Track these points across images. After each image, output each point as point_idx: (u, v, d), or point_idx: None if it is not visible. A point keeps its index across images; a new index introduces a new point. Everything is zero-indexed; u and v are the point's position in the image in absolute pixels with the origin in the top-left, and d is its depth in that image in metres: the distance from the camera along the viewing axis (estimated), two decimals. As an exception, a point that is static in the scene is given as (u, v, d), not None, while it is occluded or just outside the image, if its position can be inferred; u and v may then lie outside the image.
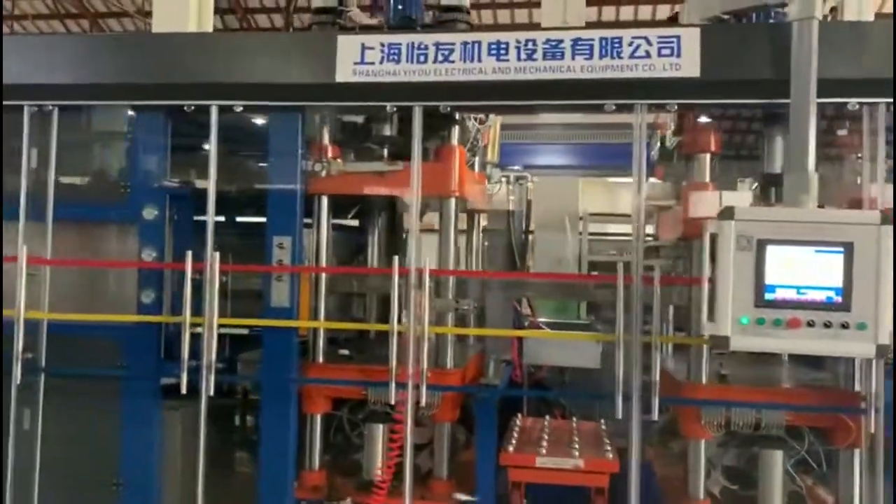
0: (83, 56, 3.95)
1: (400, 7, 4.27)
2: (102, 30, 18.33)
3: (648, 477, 3.91)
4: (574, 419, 4.82)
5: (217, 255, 3.73)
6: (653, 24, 15.21)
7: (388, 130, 4.08)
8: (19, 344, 3.82)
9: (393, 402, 3.64)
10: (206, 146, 4.15)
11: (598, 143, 6.55)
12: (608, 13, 15.37)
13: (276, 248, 3.86)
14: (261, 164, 4.33)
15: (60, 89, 3.92)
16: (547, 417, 4.84)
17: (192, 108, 3.85)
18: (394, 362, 3.60)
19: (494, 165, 5.55)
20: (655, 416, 3.49)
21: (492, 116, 4.79)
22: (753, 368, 4.17)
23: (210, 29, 10.61)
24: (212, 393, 3.70)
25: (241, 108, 3.83)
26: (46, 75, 3.94)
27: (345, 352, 4.17)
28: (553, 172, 6.63)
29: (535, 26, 16.54)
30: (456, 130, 4.04)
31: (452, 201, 4.03)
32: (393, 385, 3.59)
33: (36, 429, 3.94)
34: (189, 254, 3.73)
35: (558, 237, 6.94)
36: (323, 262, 4.06)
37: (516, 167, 6.35)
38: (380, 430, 4.04)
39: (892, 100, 3.36)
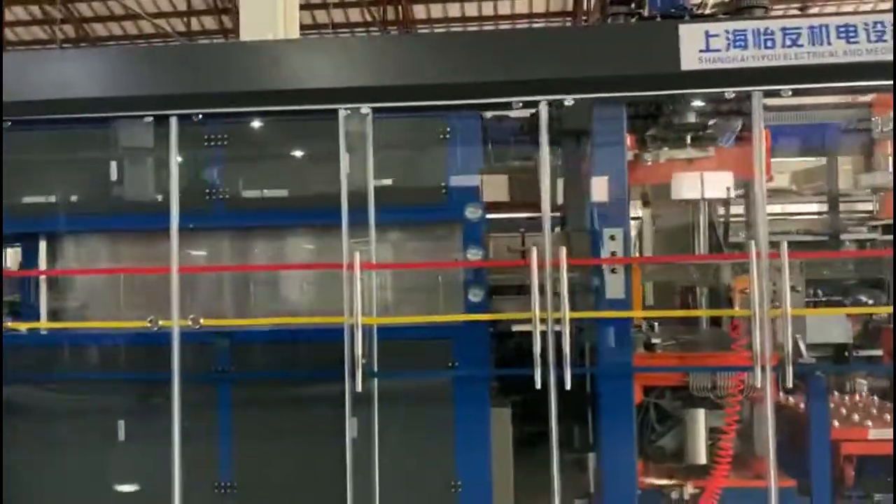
0: (397, 56, 3.91)
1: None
2: (88, 34, 17.76)
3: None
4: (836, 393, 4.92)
5: (564, 249, 3.73)
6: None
7: (691, 117, 4.12)
8: (358, 349, 3.78)
9: (759, 387, 3.67)
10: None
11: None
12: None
13: (607, 240, 3.89)
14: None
15: (374, 91, 3.89)
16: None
17: (521, 105, 3.85)
18: (757, 347, 3.64)
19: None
20: None
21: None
22: None
23: (297, 34, 10.52)
24: (568, 387, 3.70)
25: (570, 102, 3.83)
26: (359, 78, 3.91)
27: (656, 340, 4.20)
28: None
29: (486, 18, 16.43)
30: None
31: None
32: (759, 370, 3.63)
33: (373, 433, 3.90)
34: (534, 250, 3.73)
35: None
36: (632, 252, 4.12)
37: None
38: (702, 415, 4.09)
39: None
